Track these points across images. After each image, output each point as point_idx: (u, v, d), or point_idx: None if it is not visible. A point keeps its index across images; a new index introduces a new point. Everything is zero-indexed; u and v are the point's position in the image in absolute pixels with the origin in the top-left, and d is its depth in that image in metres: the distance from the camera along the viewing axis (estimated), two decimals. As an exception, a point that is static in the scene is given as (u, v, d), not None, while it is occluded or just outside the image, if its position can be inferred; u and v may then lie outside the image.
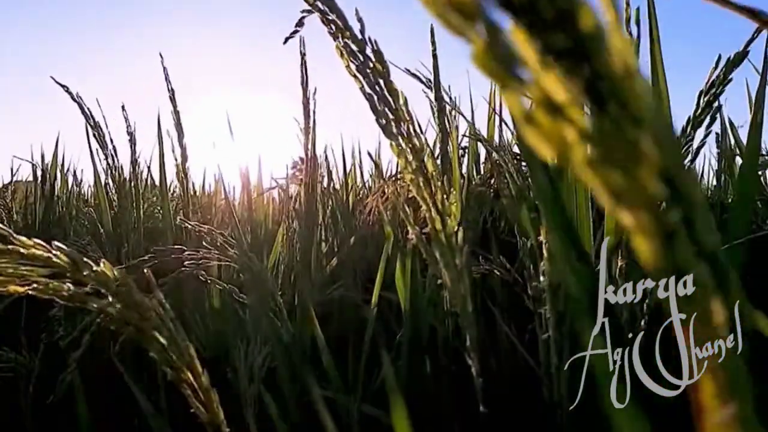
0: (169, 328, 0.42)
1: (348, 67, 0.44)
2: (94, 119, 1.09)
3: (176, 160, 1.07)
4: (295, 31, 0.55)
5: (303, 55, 0.87)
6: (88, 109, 1.09)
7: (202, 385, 0.48)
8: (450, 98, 1.15)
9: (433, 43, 0.84)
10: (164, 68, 1.04)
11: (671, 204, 0.11)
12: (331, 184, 1.30)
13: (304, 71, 0.88)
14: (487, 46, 0.10)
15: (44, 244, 0.28)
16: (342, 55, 0.45)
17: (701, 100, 0.54)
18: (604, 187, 0.11)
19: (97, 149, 1.11)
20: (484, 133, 1.25)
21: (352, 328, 0.86)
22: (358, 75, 0.44)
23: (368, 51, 0.43)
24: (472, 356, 0.46)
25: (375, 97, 0.43)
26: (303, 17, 0.51)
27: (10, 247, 0.25)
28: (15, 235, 0.26)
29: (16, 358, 0.95)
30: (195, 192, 1.58)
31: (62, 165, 1.60)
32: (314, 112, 0.92)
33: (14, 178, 1.80)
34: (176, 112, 1.04)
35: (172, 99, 1.04)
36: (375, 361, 0.75)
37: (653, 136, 0.11)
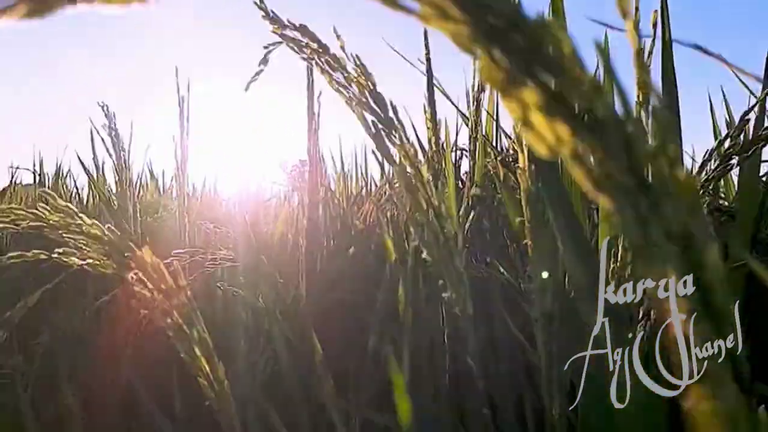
0: (192, 317, 0.44)
1: (331, 82, 0.43)
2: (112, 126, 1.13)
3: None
4: (260, 71, 0.51)
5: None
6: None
7: (217, 376, 0.50)
8: (448, 98, 1.14)
9: (427, 47, 0.83)
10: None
11: (640, 193, 0.15)
12: (329, 188, 1.32)
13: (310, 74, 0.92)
14: (491, 62, 0.14)
15: (100, 224, 0.31)
16: (322, 71, 0.44)
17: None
18: (587, 176, 0.15)
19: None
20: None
21: (353, 330, 0.88)
22: (341, 90, 0.43)
23: (349, 67, 0.42)
24: (473, 359, 0.49)
25: (361, 109, 0.42)
26: (269, 51, 0.48)
27: (77, 221, 0.29)
28: (78, 213, 0.29)
29: (13, 363, 0.96)
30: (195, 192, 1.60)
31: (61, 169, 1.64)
32: (318, 115, 0.96)
33: (14, 181, 1.82)
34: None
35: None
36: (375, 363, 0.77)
37: (620, 138, 0.14)
